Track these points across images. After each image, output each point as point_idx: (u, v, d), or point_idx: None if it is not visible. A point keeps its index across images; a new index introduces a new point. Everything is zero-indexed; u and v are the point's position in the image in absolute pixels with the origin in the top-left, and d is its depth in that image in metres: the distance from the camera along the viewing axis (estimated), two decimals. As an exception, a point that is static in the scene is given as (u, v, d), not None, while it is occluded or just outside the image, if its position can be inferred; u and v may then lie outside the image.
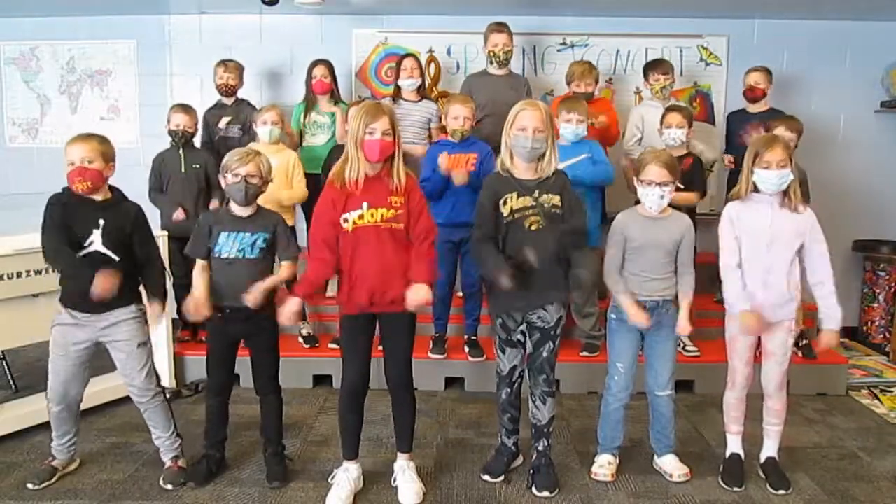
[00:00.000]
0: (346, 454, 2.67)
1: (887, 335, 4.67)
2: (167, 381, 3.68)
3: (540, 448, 2.75)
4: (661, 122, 3.71)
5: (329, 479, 2.69)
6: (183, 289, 3.83)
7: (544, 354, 2.67)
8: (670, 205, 2.73)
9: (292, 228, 3.59)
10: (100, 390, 3.31)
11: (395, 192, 2.48)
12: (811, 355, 3.84)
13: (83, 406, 2.79)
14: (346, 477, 2.64)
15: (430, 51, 4.75)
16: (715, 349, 3.64)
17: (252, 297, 2.59)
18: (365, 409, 2.67)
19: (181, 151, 3.87)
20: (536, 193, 2.58)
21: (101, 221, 2.51)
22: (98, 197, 2.54)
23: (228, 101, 4.33)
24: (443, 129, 3.80)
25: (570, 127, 3.50)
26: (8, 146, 4.99)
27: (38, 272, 3.00)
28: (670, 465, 2.85)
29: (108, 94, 4.94)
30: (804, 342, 3.82)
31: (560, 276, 2.62)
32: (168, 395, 3.43)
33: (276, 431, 2.82)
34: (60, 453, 2.76)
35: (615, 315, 2.81)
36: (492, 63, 4.11)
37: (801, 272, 2.68)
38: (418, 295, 2.46)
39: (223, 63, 4.29)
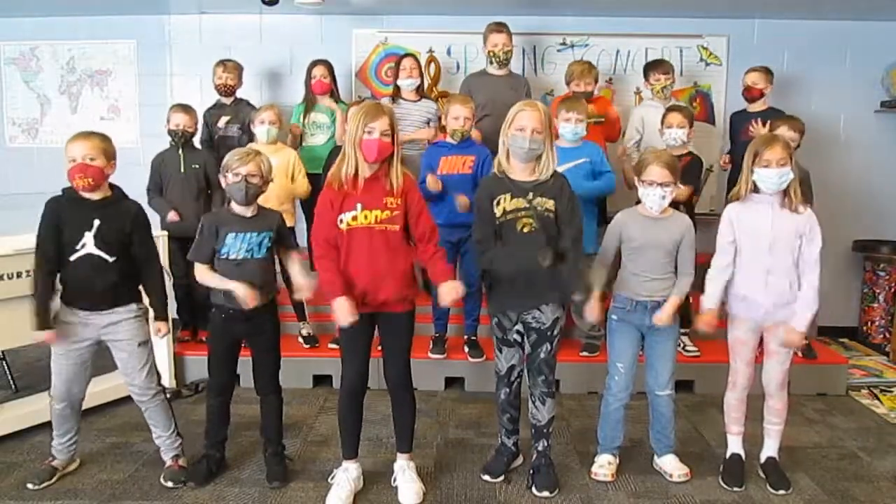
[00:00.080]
0: (345, 454, 2.67)
1: (887, 335, 4.67)
2: (167, 380, 3.68)
3: (540, 448, 2.75)
4: (662, 122, 3.71)
5: (329, 479, 2.69)
6: (182, 289, 3.88)
7: (542, 355, 2.67)
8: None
9: (292, 229, 3.61)
10: (100, 390, 3.31)
11: (392, 194, 2.47)
12: (811, 355, 3.85)
13: (84, 406, 2.79)
14: (346, 477, 2.64)
15: (430, 51, 4.76)
16: (715, 349, 3.65)
17: (306, 290, 2.66)
18: (365, 409, 2.67)
19: (181, 151, 3.87)
20: (531, 196, 2.57)
21: (96, 222, 2.51)
22: (95, 196, 2.54)
23: (227, 100, 4.34)
24: (443, 129, 3.80)
25: (570, 126, 3.50)
26: (8, 146, 4.99)
27: (38, 272, 2.99)
28: (670, 465, 2.85)
29: (108, 94, 4.94)
30: (804, 342, 3.81)
31: (554, 278, 2.61)
32: (168, 395, 3.45)
33: (276, 431, 2.82)
34: (61, 453, 2.76)
35: (615, 315, 2.81)
36: (491, 63, 4.11)
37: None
38: (451, 292, 2.47)
39: (222, 63, 4.30)
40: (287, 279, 3.72)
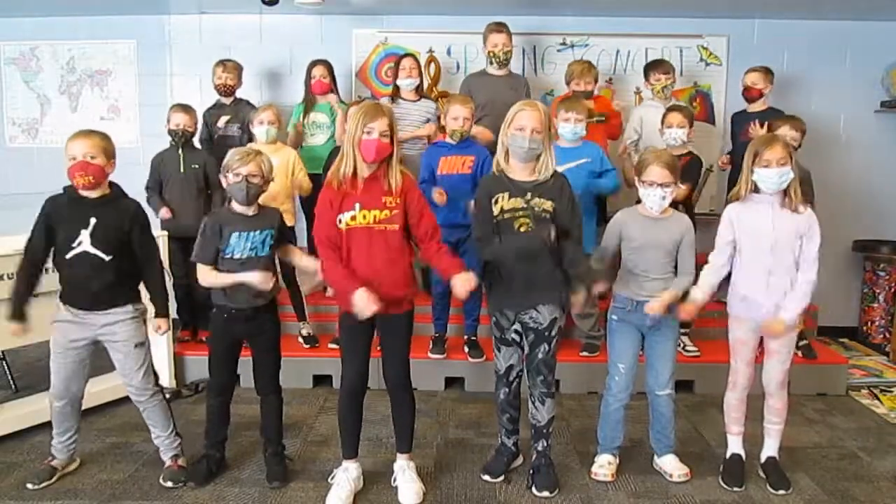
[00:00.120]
0: (345, 453, 2.67)
1: (887, 335, 4.67)
2: (167, 381, 3.69)
3: (539, 448, 2.75)
4: (662, 122, 3.71)
5: (329, 479, 2.69)
6: (182, 289, 3.88)
7: (539, 356, 2.67)
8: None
9: (292, 228, 3.61)
10: (100, 390, 3.31)
11: (390, 193, 2.47)
12: (811, 355, 3.85)
13: (83, 406, 2.79)
14: (346, 477, 2.64)
15: (430, 51, 4.75)
16: (715, 349, 3.65)
17: (313, 268, 2.64)
18: (365, 409, 2.67)
19: (180, 151, 3.86)
20: (529, 196, 2.57)
21: (93, 220, 2.51)
22: (93, 194, 2.54)
23: (227, 100, 4.34)
24: (442, 129, 3.80)
25: (569, 126, 3.50)
26: (8, 146, 4.99)
27: (38, 272, 2.99)
28: (670, 465, 2.85)
29: (108, 94, 4.94)
30: (804, 342, 3.82)
31: (549, 278, 2.61)
32: (168, 395, 3.45)
33: (276, 431, 2.82)
34: (60, 452, 2.76)
35: (616, 315, 2.81)
36: (492, 63, 4.11)
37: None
38: (466, 283, 2.46)
39: (222, 63, 4.30)
40: (287, 279, 3.76)
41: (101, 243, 2.52)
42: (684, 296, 2.73)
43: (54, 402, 2.68)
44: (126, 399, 2.76)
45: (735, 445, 2.84)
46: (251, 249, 2.62)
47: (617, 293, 2.80)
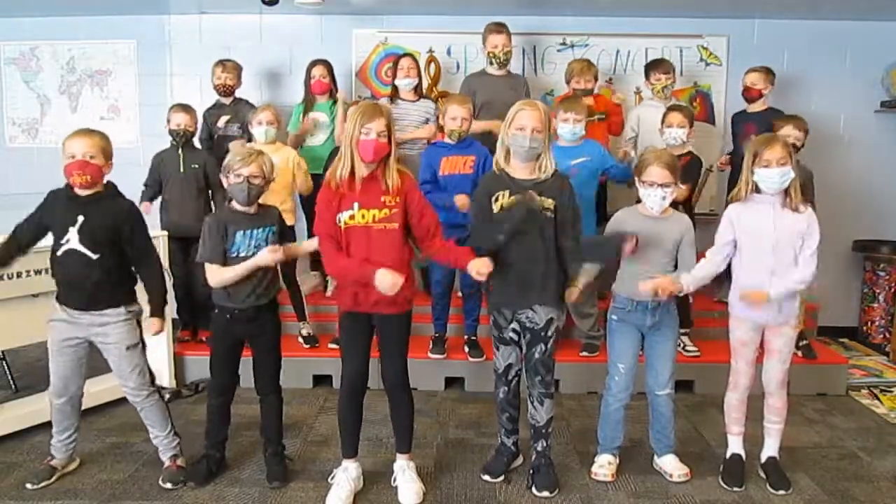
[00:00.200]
0: (345, 453, 2.68)
1: (887, 335, 4.66)
2: (167, 381, 3.69)
3: (539, 448, 2.75)
4: (662, 122, 3.71)
5: (329, 479, 2.69)
6: (182, 289, 3.88)
7: (536, 356, 2.67)
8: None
9: (291, 228, 3.61)
10: (99, 390, 3.31)
11: (389, 193, 2.47)
12: (811, 355, 3.85)
13: (83, 406, 2.79)
14: (346, 477, 2.64)
15: (430, 51, 4.75)
16: (715, 349, 3.65)
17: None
18: (365, 409, 2.67)
19: (180, 151, 3.87)
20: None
21: (80, 218, 2.50)
22: (84, 192, 2.53)
23: (227, 100, 4.34)
24: (441, 129, 3.80)
25: (568, 126, 3.50)
26: (8, 146, 4.99)
27: (38, 272, 2.99)
28: (670, 465, 2.85)
29: (108, 94, 4.94)
30: (804, 342, 3.82)
31: (546, 279, 2.61)
32: (168, 395, 3.45)
33: (276, 431, 2.82)
34: (59, 451, 2.76)
35: (615, 316, 2.81)
36: (492, 64, 4.11)
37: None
38: (482, 267, 2.45)
39: (221, 63, 4.30)
40: (287, 279, 3.76)
41: (89, 241, 2.51)
42: (686, 298, 2.73)
43: (54, 400, 2.68)
44: (126, 399, 2.75)
45: (735, 445, 2.84)
46: (255, 247, 2.62)
47: (617, 293, 2.80)
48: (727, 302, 2.80)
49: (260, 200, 2.69)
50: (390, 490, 2.68)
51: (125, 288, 2.65)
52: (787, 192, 2.59)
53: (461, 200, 3.32)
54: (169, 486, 2.69)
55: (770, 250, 2.60)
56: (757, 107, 4.18)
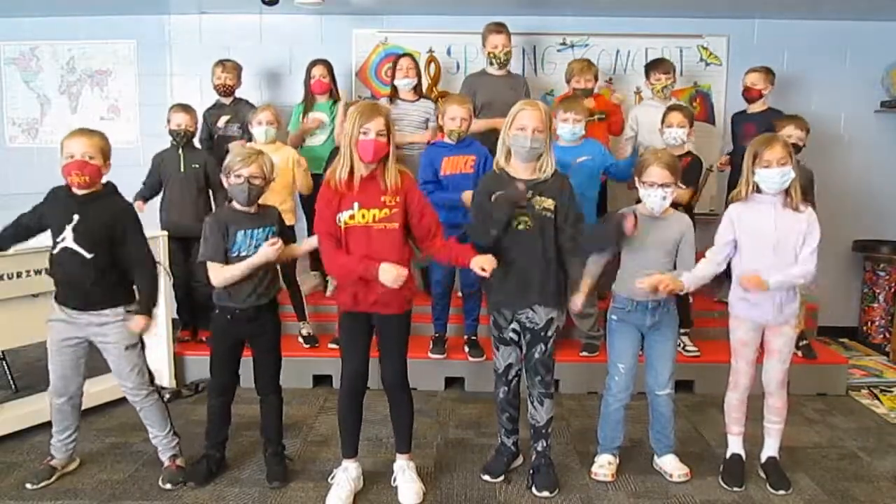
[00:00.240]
0: (345, 452, 2.68)
1: (887, 335, 4.66)
2: (167, 381, 3.69)
3: (539, 448, 2.75)
4: (662, 122, 3.71)
5: (329, 479, 2.69)
6: (182, 289, 3.88)
7: (536, 356, 2.67)
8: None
9: (291, 228, 3.61)
10: (99, 390, 3.31)
11: (388, 192, 2.47)
12: (811, 355, 3.85)
13: (83, 406, 2.79)
14: (346, 477, 2.64)
15: (430, 51, 4.75)
16: (715, 349, 3.65)
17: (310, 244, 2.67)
18: (365, 409, 2.67)
19: (181, 151, 3.87)
20: (529, 194, 2.58)
21: (76, 217, 2.50)
22: (81, 192, 2.53)
23: (227, 100, 4.34)
24: (440, 129, 3.80)
25: (567, 126, 3.50)
26: (8, 146, 4.99)
27: (38, 272, 2.99)
28: (670, 465, 2.85)
29: (108, 94, 4.94)
30: (804, 342, 3.82)
31: (546, 279, 2.61)
32: (168, 395, 3.45)
33: (276, 431, 2.82)
34: (59, 451, 2.76)
35: (615, 316, 2.81)
36: (492, 64, 4.11)
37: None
38: (486, 263, 2.44)
39: (221, 63, 4.30)
40: (287, 279, 3.76)
41: (84, 240, 2.51)
42: (682, 297, 2.73)
43: (54, 399, 2.69)
44: (126, 399, 2.76)
45: (735, 445, 2.84)
46: (255, 247, 2.62)
47: (617, 293, 2.80)
48: (727, 302, 2.80)
49: (260, 200, 2.69)
50: (390, 490, 2.68)
51: (123, 287, 2.64)
52: (787, 191, 2.59)
53: (468, 197, 3.33)
54: (168, 486, 2.69)
55: (771, 250, 2.60)
56: (757, 107, 4.18)
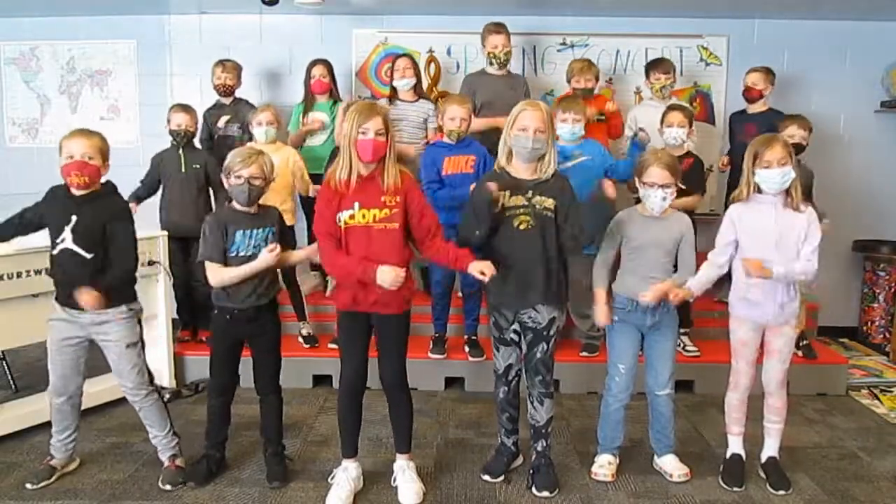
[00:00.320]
0: (345, 452, 2.68)
1: (887, 335, 4.66)
2: (167, 381, 3.69)
3: (539, 448, 2.75)
4: (662, 122, 3.71)
5: (329, 479, 2.69)
6: (182, 289, 3.88)
7: (538, 355, 2.67)
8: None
9: (291, 228, 3.61)
10: (99, 390, 3.31)
11: (388, 192, 2.47)
12: (811, 355, 3.85)
13: (83, 406, 2.79)
14: (346, 476, 2.64)
15: (430, 51, 4.75)
16: (715, 349, 3.65)
17: (310, 253, 2.68)
18: (365, 409, 2.67)
19: (181, 151, 3.87)
20: (530, 194, 2.58)
21: (74, 218, 2.50)
22: (79, 192, 2.53)
23: (227, 100, 4.34)
24: (440, 128, 3.80)
25: (567, 126, 3.50)
26: (8, 146, 4.99)
27: (38, 272, 2.99)
28: (670, 465, 2.85)
29: (108, 94, 4.94)
30: (804, 342, 3.82)
31: (548, 278, 2.61)
32: (168, 395, 3.45)
33: (276, 431, 2.82)
34: (59, 451, 2.76)
35: (615, 316, 2.81)
36: (491, 64, 4.10)
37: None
38: (485, 269, 2.44)
39: (221, 63, 4.30)
40: (287, 279, 3.76)
41: (83, 241, 2.51)
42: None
43: (53, 399, 2.69)
44: (125, 399, 2.76)
45: (735, 445, 2.83)
46: (255, 247, 2.62)
47: (617, 293, 2.80)
48: (727, 302, 2.80)
49: (260, 201, 2.69)
50: (390, 490, 2.68)
51: (124, 286, 2.64)
52: (788, 191, 2.59)
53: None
54: (168, 487, 2.69)
55: (771, 250, 2.60)
56: (758, 107, 4.19)
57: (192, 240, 3.36)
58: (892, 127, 4.82)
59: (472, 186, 3.27)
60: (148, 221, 3.63)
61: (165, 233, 3.68)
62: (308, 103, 4.25)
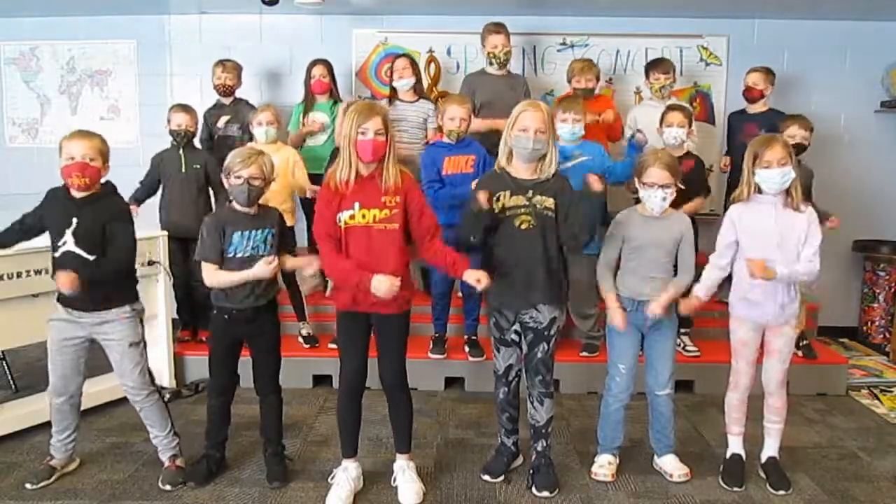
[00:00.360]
0: (345, 452, 2.68)
1: (887, 335, 4.67)
2: (167, 381, 3.69)
3: (539, 448, 2.75)
4: (662, 122, 3.71)
5: (329, 479, 2.69)
6: (182, 289, 3.88)
7: (539, 355, 2.67)
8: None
9: (291, 228, 3.61)
10: (99, 390, 3.31)
11: (389, 192, 2.47)
12: (811, 355, 3.85)
13: (83, 406, 2.79)
14: (346, 476, 2.64)
15: (430, 51, 4.75)
16: (715, 349, 3.65)
17: (311, 264, 2.68)
18: (364, 409, 2.67)
19: (181, 151, 3.87)
20: (531, 194, 2.58)
21: (75, 220, 2.50)
22: (79, 194, 2.53)
23: (227, 100, 4.34)
24: (439, 128, 3.80)
25: (566, 127, 3.50)
26: (8, 146, 5.00)
27: (38, 272, 3.00)
28: (670, 465, 2.85)
29: (108, 94, 4.94)
30: (804, 342, 3.82)
31: (549, 278, 2.61)
32: (168, 395, 3.45)
33: (276, 431, 2.82)
34: (59, 451, 2.76)
35: (617, 316, 2.81)
36: (491, 64, 4.10)
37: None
38: (481, 278, 2.45)
39: (221, 63, 4.30)
40: (287, 280, 3.76)
41: (85, 243, 2.50)
42: (685, 294, 2.73)
43: (53, 399, 2.69)
44: (125, 399, 2.76)
45: (735, 445, 2.83)
46: (253, 248, 2.62)
47: (617, 293, 2.79)
48: (727, 302, 2.80)
49: (260, 201, 2.69)
50: (390, 490, 2.68)
51: (126, 287, 2.65)
52: (788, 191, 2.59)
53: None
54: (168, 487, 2.68)
55: (772, 250, 2.59)
56: (758, 108, 4.19)
57: (192, 240, 3.34)
58: (892, 127, 4.83)
59: (474, 184, 3.30)
60: (148, 221, 3.63)
61: (165, 233, 3.68)
62: (308, 103, 4.25)
